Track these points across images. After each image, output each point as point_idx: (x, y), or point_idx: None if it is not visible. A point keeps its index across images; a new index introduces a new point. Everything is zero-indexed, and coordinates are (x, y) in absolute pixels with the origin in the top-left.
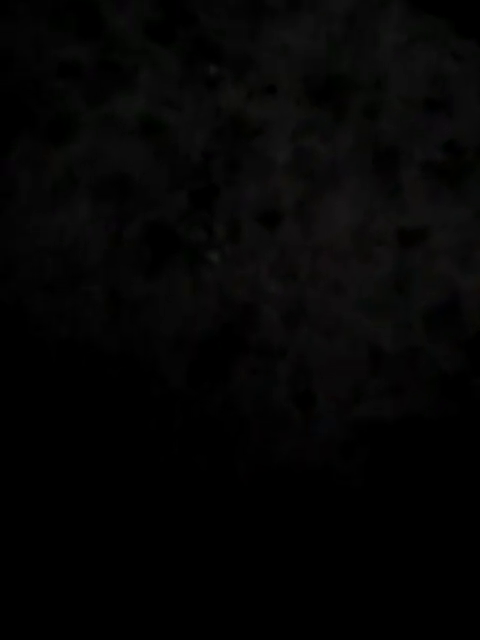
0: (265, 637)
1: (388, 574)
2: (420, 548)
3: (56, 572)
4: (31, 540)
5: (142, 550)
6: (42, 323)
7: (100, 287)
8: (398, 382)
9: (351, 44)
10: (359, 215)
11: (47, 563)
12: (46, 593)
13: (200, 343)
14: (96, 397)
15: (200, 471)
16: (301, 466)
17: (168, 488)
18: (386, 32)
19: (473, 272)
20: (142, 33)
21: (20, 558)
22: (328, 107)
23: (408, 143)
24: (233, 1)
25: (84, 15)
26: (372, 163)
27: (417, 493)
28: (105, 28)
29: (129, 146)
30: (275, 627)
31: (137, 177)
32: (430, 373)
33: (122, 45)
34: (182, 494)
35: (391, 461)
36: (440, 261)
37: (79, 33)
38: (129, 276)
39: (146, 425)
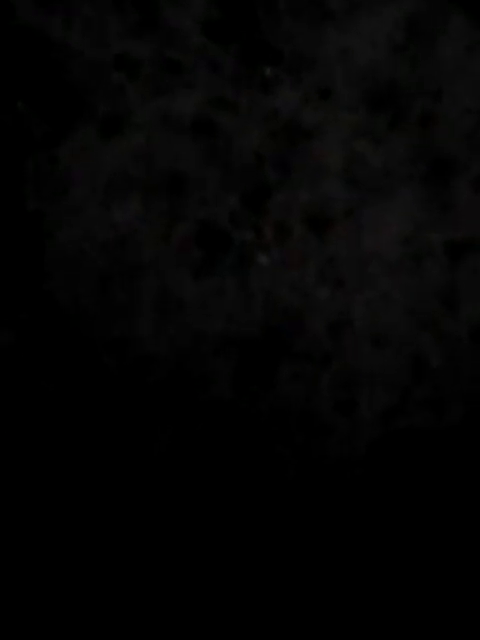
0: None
1: (416, 579)
2: (455, 558)
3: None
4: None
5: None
6: (94, 320)
7: (150, 285)
8: (441, 394)
9: (410, 52)
10: (410, 225)
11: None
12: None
13: (245, 346)
14: (144, 397)
15: (247, 475)
16: (345, 472)
17: (216, 490)
18: (446, 41)
19: None
20: (200, 32)
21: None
22: (384, 114)
23: (464, 155)
24: (294, 4)
25: (143, 9)
26: (425, 173)
27: (456, 505)
28: (163, 24)
29: (182, 144)
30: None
31: (189, 176)
32: (474, 387)
33: (180, 42)
34: (228, 497)
35: (431, 472)
36: None
37: (138, 27)
38: (179, 275)
39: (193, 428)
